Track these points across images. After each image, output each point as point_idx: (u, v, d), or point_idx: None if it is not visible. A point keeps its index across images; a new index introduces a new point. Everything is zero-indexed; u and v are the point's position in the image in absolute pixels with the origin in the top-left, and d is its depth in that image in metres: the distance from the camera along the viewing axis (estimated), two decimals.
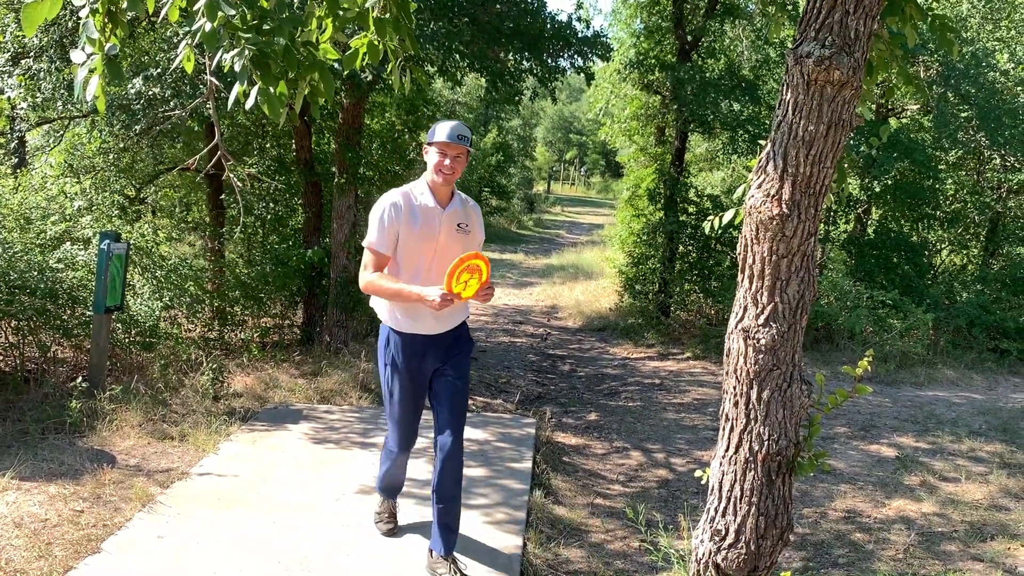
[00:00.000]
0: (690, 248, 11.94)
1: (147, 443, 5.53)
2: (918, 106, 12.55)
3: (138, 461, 5.20)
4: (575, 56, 8.35)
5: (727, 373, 2.44)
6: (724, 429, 2.47)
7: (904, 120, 13.10)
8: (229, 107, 2.20)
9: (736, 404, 2.41)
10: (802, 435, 2.42)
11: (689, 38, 11.66)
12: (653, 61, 11.76)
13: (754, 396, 2.36)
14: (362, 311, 8.92)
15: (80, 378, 5.95)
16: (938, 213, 12.45)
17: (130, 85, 6.41)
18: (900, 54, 2.52)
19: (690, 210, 11.84)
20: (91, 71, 2.05)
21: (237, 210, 8.21)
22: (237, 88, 2.06)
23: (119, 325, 6.99)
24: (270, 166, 9.73)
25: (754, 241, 2.32)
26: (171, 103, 6.14)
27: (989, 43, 11.86)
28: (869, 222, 13.04)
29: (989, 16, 12.04)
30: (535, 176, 46.06)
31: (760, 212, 2.29)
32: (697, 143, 15.35)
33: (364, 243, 3.66)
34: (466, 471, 5.38)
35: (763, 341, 2.32)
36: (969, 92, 11.11)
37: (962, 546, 4.95)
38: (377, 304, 3.86)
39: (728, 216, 2.80)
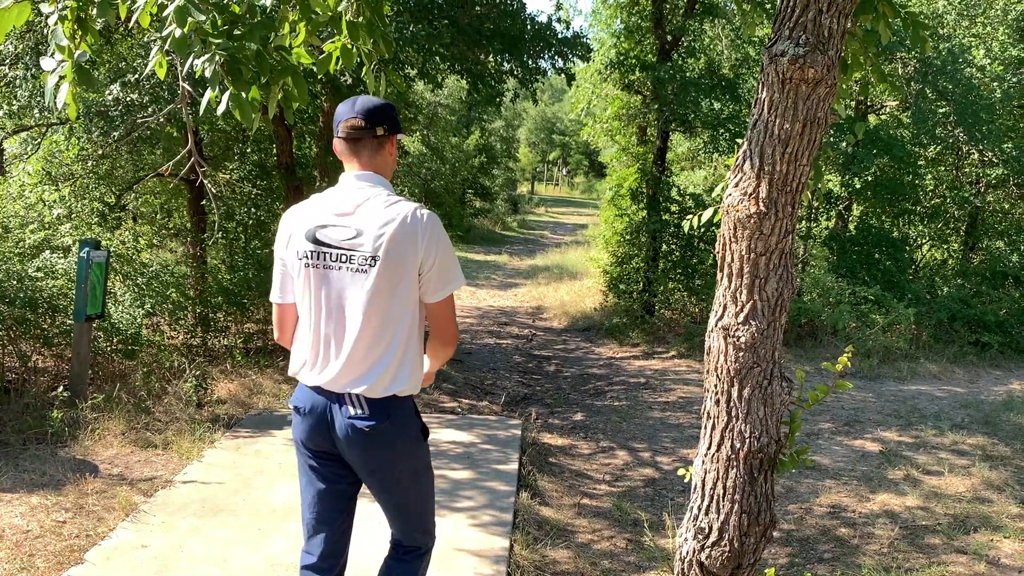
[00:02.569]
0: (673, 247, 11.98)
1: (130, 452, 5.49)
2: (897, 103, 12.65)
3: (121, 470, 5.16)
4: (555, 57, 8.37)
5: (708, 371, 2.45)
6: (706, 427, 2.48)
7: (883, 117, 13.19)
8: (201, 113, 2.19)
9: (717, 402, 2.42)
10: (783, 432, 2.43)
11: (669, 38, 11.70)
12: (634, 61, 11.79)
13: (735, 394, 2.37)
14: None
15: (61, 387, 5.90)
16: (918, 208, 12.55)
17: (107, 91, 6.37)
18: (874, 52, 2.54)
19: (673, 209, 11.88)
20: (61, 78, 2.03)
21: (217, 215, 8.18)
22: (209, 94, 2.04)
23: (100, 333, 6.94)
24: (251, 171, 9.69)
25: (732, 239, 2.33)
26: (149, 109, 6.10)
27: (965, 39, 11.97)
28: (850, 218, 13.13)
29: (964, 13, 12.16)
30: (519, 177, 46.09)
31: (738, 211, 2.30)
32: (679, 142, 15.41)
33: (456, 287, 2.60)
34: (452, 473, 5.38)
35: (743, 339, 2.33)
36: (946, 88, 11.21)
37: (945, 539, 4.99)
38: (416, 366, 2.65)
39: (707, 215, 2.81)
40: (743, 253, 2.31)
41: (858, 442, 6.99)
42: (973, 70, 11.51)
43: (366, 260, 2.46)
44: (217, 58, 1.94)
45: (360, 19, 2.22)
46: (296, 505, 4.68)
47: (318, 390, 2.59)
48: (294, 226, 2.56)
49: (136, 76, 6.12)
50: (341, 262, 2.49)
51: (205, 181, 2.49)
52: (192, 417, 6.11)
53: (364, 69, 2.53)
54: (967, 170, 12.57)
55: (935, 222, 12.68)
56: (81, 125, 7.18)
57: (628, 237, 12.29)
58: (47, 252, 7.15)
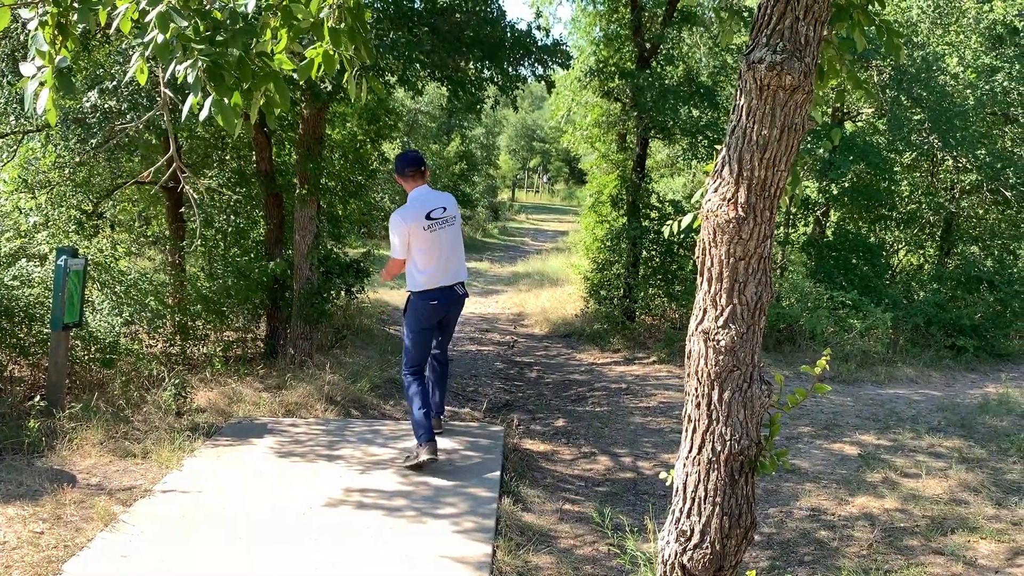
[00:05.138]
0: (653, 253, 12.03)
1: (109, 461, 5.44)
2: (872, 109, 12.79)
3: (99, 480, 5.12)
4: (535, 64, 8.40)
5: (688, 375, 2.47)
6: (687, 430, 2.50)
7: (859, 123, 13.34)
8: (183, 119, 2.18)
9: (698, 405, 2.44)
10: (763, 435, 2.45)
11: (648, 45, 11.78)
12: (613, 68, 11.86)
13: (715, 397, 2.39)
14: (326, 323, 8.86)
15: (38, 397, 5.84)
16: (894, 214, 12.69)
17: (85, 98, 6.32)
18: (850, 59, 2.58)
19: (653, 215, 11.93)
20: (41, 84, 2.02)
21: (197, 223, 8.13)
22: (191, 100, 2.04)
23: (78, 342, 6.88)
24: (230, 178, 9.64)
25: (712, 244, 2.36)
26: (127, 116, 6.06)
27: (939, 47, 12.13)
28: (828, 224, 13.25)
29: (938, 21, 12.32)
30: (499, 184, 46.12)
31: (717, 216, 2.32)
32: (658, 149, 15.50)
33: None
34: (434, 480, 5.38)
35: (723, 342, 2.36)
36: (921, 95, 11.36)
37: (924, 540, 5.04)
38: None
39: (687, 220, 2.83)
40: (722, 257, 2.34)
41: (837, 445, 7.05)
42: (947, 77, 11.67)
43: None
44: (199, 64, 1.94)
45: (342, 25, 2.22)
46: (278, 515, 4.68)
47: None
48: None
49: (114, 83, 6.08)
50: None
51: (187, 187, 2.48)
52: (171, 426, 6.07)
53: (345, 75, 2.53)
54: (942, 176, 12.72)
55: (911, 228, 12.82)
56: (58, 132, 7.11)
57: (608, 243, 12.33)
58: (23, 260, 7.08)
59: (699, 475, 2.43)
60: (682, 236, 11.86)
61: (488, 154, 36.03)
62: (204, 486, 5.07)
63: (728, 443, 2.39)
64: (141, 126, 6.03)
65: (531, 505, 5.49)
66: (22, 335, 6.55)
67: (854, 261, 11.86)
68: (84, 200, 8.91)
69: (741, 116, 2.29)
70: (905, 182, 12.60)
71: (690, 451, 2.47)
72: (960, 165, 12.14)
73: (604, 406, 8.42)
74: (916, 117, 11.59)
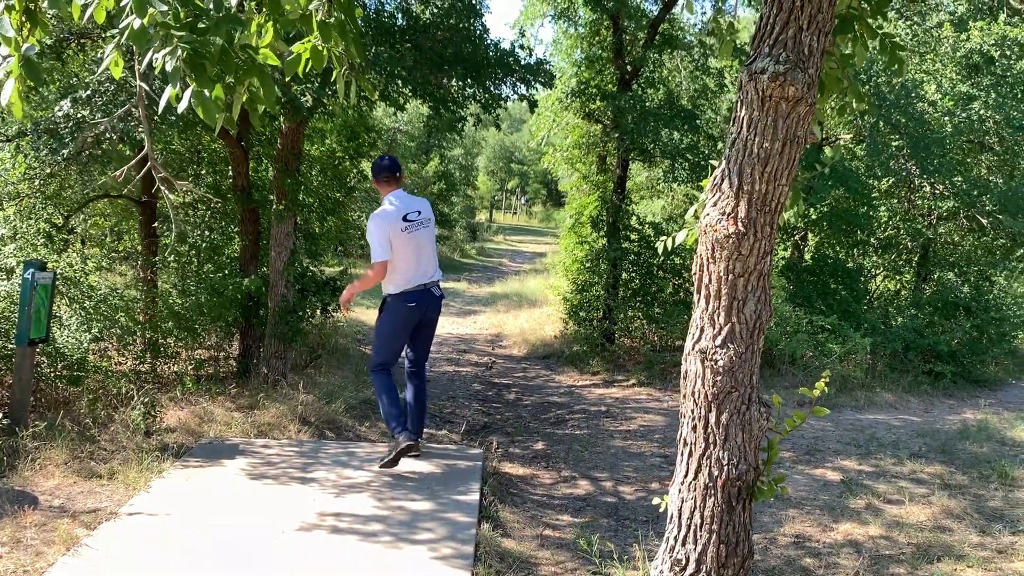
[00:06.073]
0: (633, 275, 11.98)
1: (73, 482, 5.23)
2: (851, 135, 12.88)
3: (63, 501, 4.91)
4: (518, 83, 8.35)
5: (684, 396, 2.37)
6: (682, 454, 2.39)
7: (836, 148, 13.41)
8: (160, 111, 2.06)
9: (695, 428, 2.33)
10: (761, 459, 2.35)
11: (629, 68, 11.79)
12: (594, 90, 11.85)
13: (712, 419, 2.29)
14: (301, 342, 8.69)
15: (1, 414, 5.62)
16: (872, 239, 12.74)
17: (57, 107, 6.16)
18: (851, 72, 2.51)
19: (632, 237, 11.90)
20: (7, 74, 1.88)
21: (171, 236, 7.95)
22: (169, 90, 1.91)
23: (44, 358, 6.66)
24: (205, 192, 9.47)
25: (710, 260, 2.27)
26: (101, 126, 5.90)
27: (917, 75, 12.25)
28: (806, 248, 13.28)
29: (916, 49, 12.45)
30: (477, 205, 46.11)
31: (716, 231, 2.23)
32: (637, 171, 15.50)
33: None
34: (411, 504, 5.22)
35: (721, 362, 2.26)
36: (900, 121, 11.44)
37: (910, 568, 4.96)
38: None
39: (680, 237, 2.75)
40: (721, 274, 2.24)
41: (819, 471, 6.98)
42: (925, 104, 11.77)
43: None
44: (179, 52, 1.82)
45: (331, 19, 2.11)
46: (250, 539, 4.51)
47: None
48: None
49: (87, 92, 5.93)
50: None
51: (163, 188, 2.35)
52: (139, 446, 5.87)
53: (334, 74, 2.42)
54: (919, 202, 12.81)
55: (888, 253, 12.88)
56: (28, 143, 6.92)
57: (588, 264, 12.27)
58: None
59: (695, 501, 2.32)
60: (662, 259, 11.83)
61: (467, 175, 36.01)
62: (173, 509, 4.89)
63: (726, 467, 2.29)
64: (114, 135, 5.86)
65: (511, 530, 5.35)
66: None
67: (833, 286, 11.88)
68: (54, 213, 8.70)
69: (742, 128, 2.21)
70: (883, 208, 12.67)
71: (686, 476, 2.37)
72: (937, 192, 12.23)
73: (584, 429, 8.30)
74: (895, 143, 11.67)
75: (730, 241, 2.21)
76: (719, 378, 2.27)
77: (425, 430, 7.56)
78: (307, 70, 2.21)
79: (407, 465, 5.93)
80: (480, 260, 30.60)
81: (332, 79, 2.38)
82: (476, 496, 5.46)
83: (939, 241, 12.94)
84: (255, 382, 7.89)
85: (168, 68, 1.86)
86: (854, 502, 6.16)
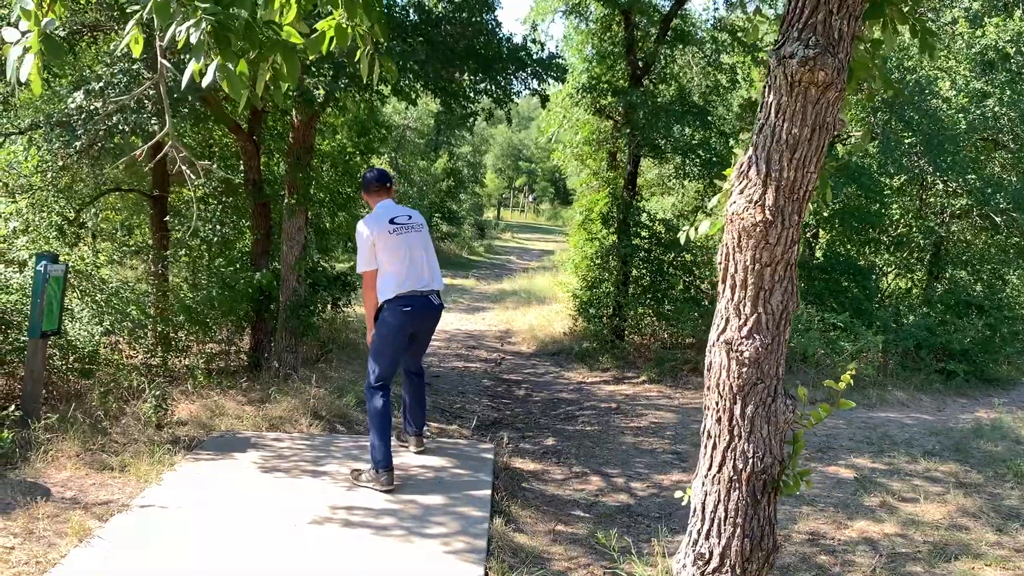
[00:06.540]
0: (644, 272, 11.94)
1: (85, 474, 5.22)
2: (860, 133, 12.80)
3: (75, 493, 4.90)
4: (531, 78, 8.30)
5: (708, 388, 2.33)
6: (706, 447, 2.36)
7: (848, 146, 13.33)
8: (184, 86, 2.03)
9: (719, 420, 2.30)
10: (787, 452, 2.32)
11: (641, 64, 11.74)
12: (606, 86, 11.80)
13: (737, 412, 2.26)
14: (312, 336, 8.67)
15: (13, 407, 5.62)
16: (884, 237, 12.66)
17: (70, 100, 6.15)
18: (881, 57, 2.47)
19: (643, 234, 11.85)
20: (26, 49, 1.85)
21: (188, 224, 7.93)
22: (192, 65, 1.88)
23: (56, 351, 6.65)
24: (216, 187, 9.47)
25: (736, 249, 2.23)
26: (114, 118, 5.89)
27: (931, 71, 12.17)
28: (818, 246, 13.21)
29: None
30: (485, 203, 46.09)
31: (743, 219, 2.20)
32: (648, 168, 15.44)
33: None
34: (423, 498, 5.20)
35: (747, 353, 2.22)
36: (913, 119, 11.36)
37: (927, 567, 4.91)
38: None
39: (704, 227, 2.71)
40: (747, 263, 2.21)
41: (832, 468, 6.93)
42: (939, 101, 11.69)
43: None
44: (204, 24, 1.79)
45: None
46: (263, 531, 4.50)
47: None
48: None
49: (100, 84, 5.92)
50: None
51: (185, 170, 2.31)
52: (151, 439, 5.86)
53: (358, 54, 2.39)
54: (932, 200, 12.73)
55: (901, 251, 12.80)
56: (41, 135, 6.92)
57: (598, 261, 12.22)
58: (1, 266, 6.87)
59: (719, 494, 2.29)
60: (673, 256, 11.79)
61: (475, 172, 35.99)
62: (185, 501, 4.87)
63: (751, 460, 2.25)
64: (127, 126, 5.84)
65: (523, 526, 5.32)
66: None
67: (844, 283, 11.81)
68: (66, 207, 8.70)
69: (770, 114, 2.17)
70: (896, 205, 12.59)
71: (709, 469, 2.33)
72: (950, 189, 12.15)
73: (594, 425, 8.26)
74: (908, 140, 11.59)
75: (757, 229, 2.18)
76: (745, 369, 2.23)
77: (435, 425, 7.55)
78: (330, 49, 2.16)
79: (418, 460, 5.90)
80: (488, 257, 30.57)
81: (355, 60, 2.33)
82: (488, 491, 5.44)
83: (952, 239, 12.86)
84: (266, 376, 7.87)
85: (192, 40, 1.83)
86: (868, 500, 6.12)
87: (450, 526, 4.81)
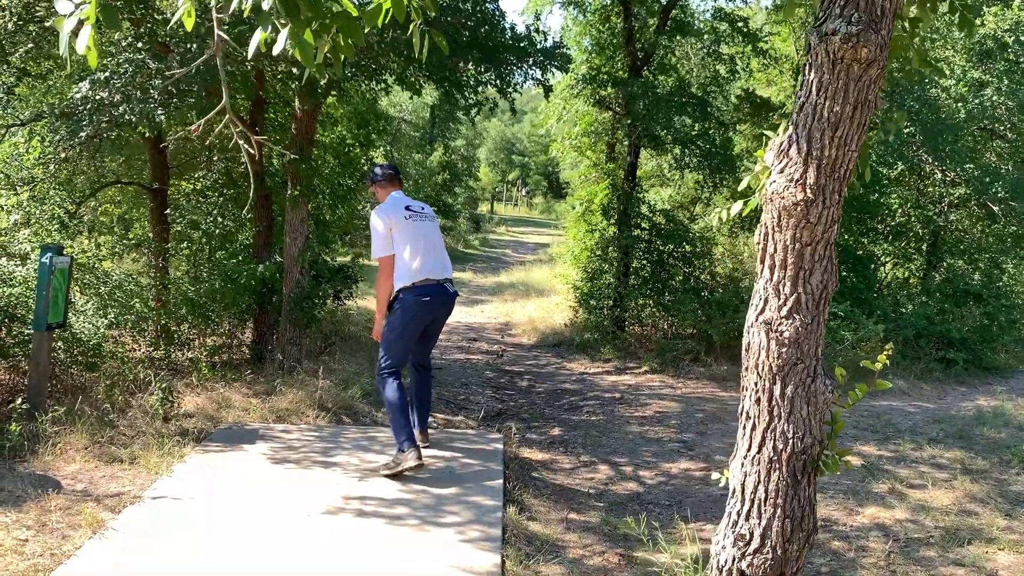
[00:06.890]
0: (644, 263, 11.93)
1: (94, 467, 5.19)
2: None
3: (85, 486, 4.87)
4: (534, 67, 8.26)
5: (747, 369, 2.32)
6: (745, 428, 2.35)
7: None
8: (250, 55, 2.00)
9: (758, 401, 2.29)
10: (826, 432, 2.31)
11: (640, 54, 11.71)
12: (605, 76, 11.77)
13: (777, 392, 2.24)
14: (315, 328, 8.63)
15: (20, 399, 5.57)
16: (882, 227, 12.68)
17: (76, 90, 6.08)
18: (920, 34, 2.46)
19: (644, 225, 11.84)
20: (81, 21, 1.81)
21: (187, 218, 7.85)
22: (259, 34, 1.85)
23: (60, 344, 6.61)
24: (217, 179, 9.41)
25: (775, 229, 2.21)
26: (120, 108, 5.83)
27: (930, 58, 12.17)
28: None
29: (928, 35, 12.38)
30: (480, 196, 46.02)
31: (783, 198, 2.18)
32: (646, 159, 15.42)
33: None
34: (435, 488, 5.19)
35: (787, 333, 2.21)
36: (913, 108, 11.37)
37: (940, 551, 4.93)
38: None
39: (736, 208, 2.69)
40: (788, 243, 2.19)
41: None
42: (938, 91, 11.70)
43: None
44: None
45: None
46: (277, 521, 4.48)
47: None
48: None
49: (106, 73, 5.86)
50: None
51: (243, 144, 2.27)
52: (159, 431, 5.82)
53: (411, 28, 2.36)
54: (930, 190, 12.75)
55: (899, 240, 12.82)
56: (44, 126, 6.85)
57: (599, 253, 12.21)
58: (3, 259, 6.81)
59: (759, 475, 2.28)
60: (672, 247, 11.78)
61: (469, 166, 35.92)
62: (197, 492, 4.84)
63: (791, 441, 2.24)
64: (133, 116, 5.77)
65: (536, 514, 5.31)
66: (2, 336, 6.27)
67: (844, 273, 11.82)
68: (67, 199, 8.63)
69: (811, 91, 2.15)
70: (894, 195, 12.61)
71: (749, 450, 2.32)
72: (948, 179, 12.17)
73: (599, 415, 8.26)
74: (907, 129, 11.60)
75: (798, 209, 2.16)
76: (784, 349, 2.22)
77: (441, 416, 7.54)
78: (385, 20, 2.13)
79: (429, 451, 5.89)
80: (484, 251, 30.54)
81: (409, 32, 2.30)
82: (500, 480, 5.43)
83: (950, 228, 12.88)
84: (270, 368, 7.84)
85: (265, 6, 1.79)
86: (877, 487, 6.13)
87: (464, 515, 4.81)
